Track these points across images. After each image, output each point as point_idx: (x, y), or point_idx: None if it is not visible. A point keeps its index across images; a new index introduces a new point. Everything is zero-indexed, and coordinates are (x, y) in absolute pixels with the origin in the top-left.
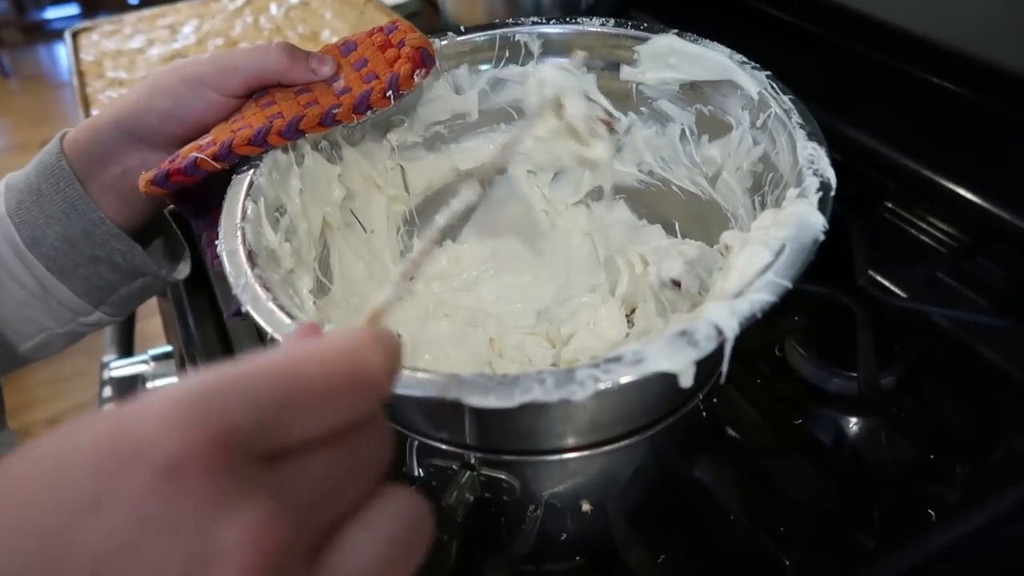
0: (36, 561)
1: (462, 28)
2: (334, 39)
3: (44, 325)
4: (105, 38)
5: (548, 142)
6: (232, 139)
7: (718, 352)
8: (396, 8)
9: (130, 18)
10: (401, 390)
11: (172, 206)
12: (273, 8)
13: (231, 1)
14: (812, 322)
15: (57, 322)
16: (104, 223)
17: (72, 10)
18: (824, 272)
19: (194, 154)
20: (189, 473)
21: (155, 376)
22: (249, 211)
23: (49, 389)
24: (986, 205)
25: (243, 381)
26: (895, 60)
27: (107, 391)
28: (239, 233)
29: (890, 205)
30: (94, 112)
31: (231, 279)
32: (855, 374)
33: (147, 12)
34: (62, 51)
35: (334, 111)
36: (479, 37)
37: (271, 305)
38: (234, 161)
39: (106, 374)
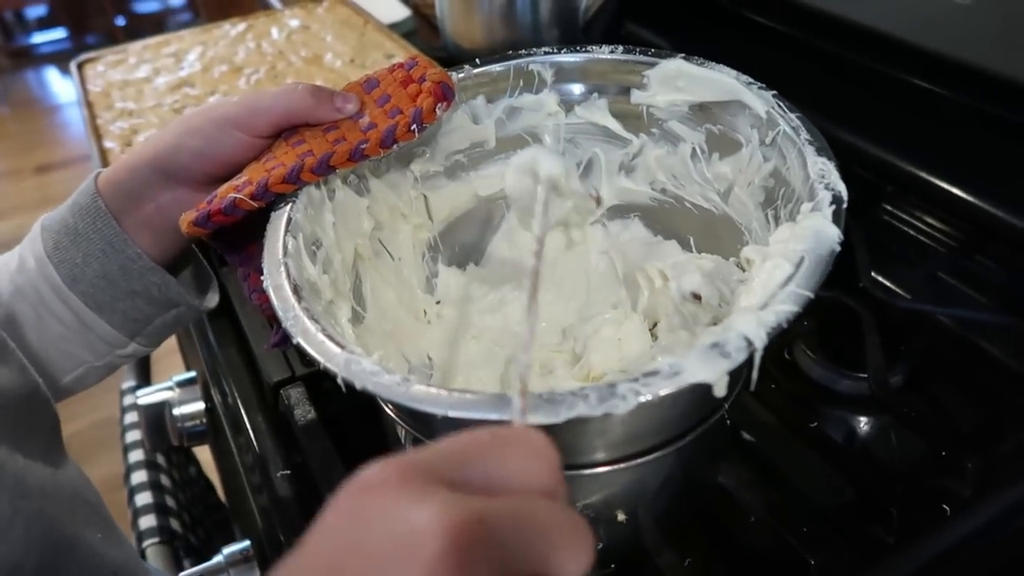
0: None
1: (477, 60)
2: (336, 63)
3: (83, 359)
4: (110, 68)
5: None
6: (267, 178)
7: (746, 370)
8: (393, 27)
9: (134, 47)
10: (448, 411)
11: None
12: (274, 32)
13: (232, 27)
14: (819, 325)
15: (95, 355)
16: (141, 258)
17: (59, 34)
18: (828, 275)
19: (232, 195)
20: (390, 484)
21: (181, 402)
22: (290, 246)
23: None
24: (981, 204)
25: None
26: (888, 66)
27: (129, 417)
28: (283, 268)
29: (888, 207)
30: (107, 144)
31: (280, 313)
32: (863, 374)
33: (151, 41)
34: (51, 75)
35: (362, 146)
36: (495, 68)
37: (321, 336)
38: (270, 199)
39: (127, 400)
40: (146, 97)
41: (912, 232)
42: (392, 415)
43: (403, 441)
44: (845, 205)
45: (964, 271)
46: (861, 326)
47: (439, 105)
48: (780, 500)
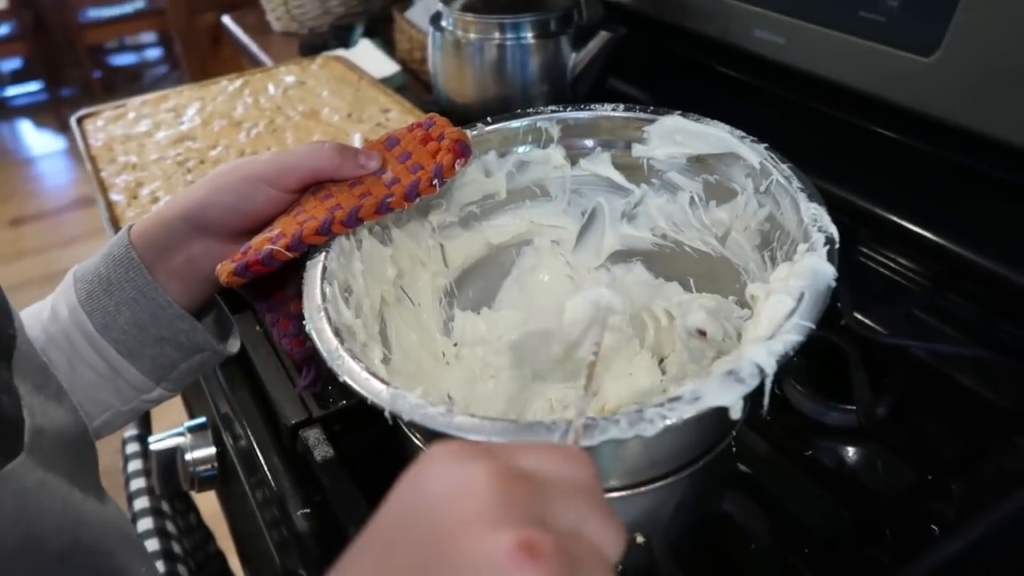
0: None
1: (489, 119)
2: (334, 117)
3: (110, 404)
4: (110, 123)
5: None
6: (301, 231)
7: (757, 396)
8: (384, 81)
9: (133, 103)
10: (483, 437)
11: None
12: (271, 88)
13: (229, 83)
14: (807, 362)
15: (122, 400)
16: (171, 306)
17: (34, 87)
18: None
19: (268, 246)
20: (445, 453)
21: (193, 447)
22: (327, 292)
23: None
24: (950, 245)
25: None
26: (860, 119)
27: (132, 465)
28: (323, 313)
29: (864, 250)
30: (113, 196)
31: (324, 354)
32: (850, 406)
33: (149, 96)
34: (25, 128)
35: (388, 200)
36: (508, 125)
37: (366, 374)
38: (304, 250)
39: (130, 448)
40: (148, 151)
41: (888, 273)
42: (420, 444)
43: None
44: (837, 245)
45: (937, 308)
46: (845, 362)
47: (458, 161)
48: (781, 526)
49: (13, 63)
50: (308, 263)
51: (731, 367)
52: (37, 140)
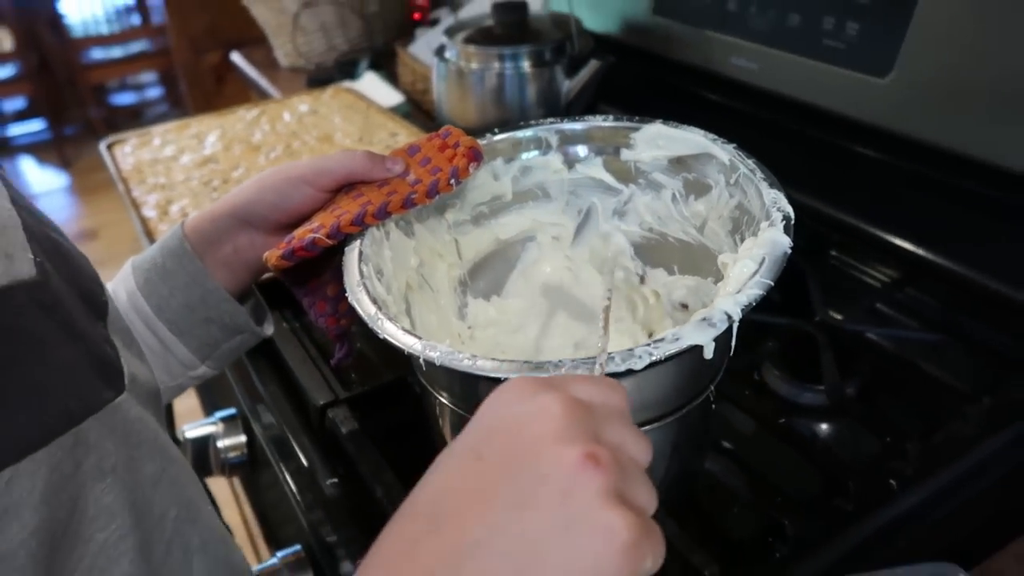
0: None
1: (496, 130)
2: (346, 141)
3: (160, 379)
4: (138, 149)
5: None
6: (339, 222)
7: (727, 341)
8: (392, 110)
9: (157, 130)
10: (502, 375)
11: None
12: (286, 116)
13: (247, 112)
14: (783, 349)
15: (171, 376)
16: (219, 290)
17: (37, 125)
18: (790, 309)
19: (311, 235)
20: (518, 384)
21: (224, 435)
22: (364, 271)
23: None
24: (912, 248)
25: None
26: (826, 135)
27: None
28: (362, 287)
29: (835, 253)
30: (145, 212)
31: (366, 318)
32: (822, 387)
33: (171, 125)
34: (27, 165)
35: (412, 196)
36: (514, 135)
37: (401, 332)
38: (341, 239)
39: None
40: (175, 172)
41: (855, 272)
42: (446, 401)
43: (446, 427)
44: (793, 221)
45: (897, 302)
46: (817, 349)
47: (472, 164)
48: (759, 488)
49: (17, 102)
50: (346, 248)
51: (704, 315)
52: (39, 177)
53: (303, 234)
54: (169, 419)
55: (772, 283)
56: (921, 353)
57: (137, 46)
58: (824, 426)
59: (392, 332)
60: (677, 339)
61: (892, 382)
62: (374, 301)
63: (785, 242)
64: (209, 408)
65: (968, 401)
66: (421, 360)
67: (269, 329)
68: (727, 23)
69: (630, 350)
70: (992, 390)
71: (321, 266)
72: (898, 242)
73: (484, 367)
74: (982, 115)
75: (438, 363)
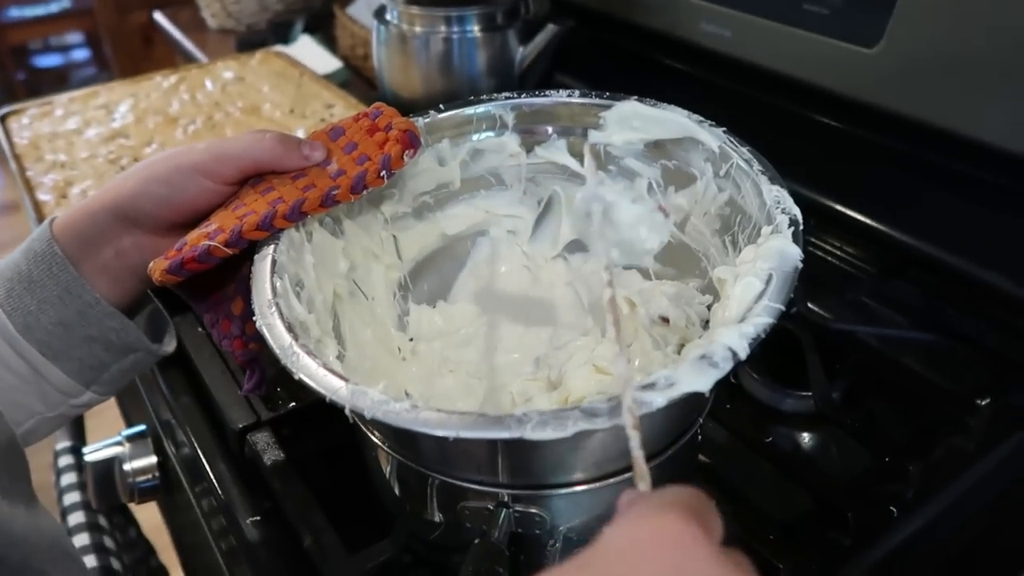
0: None
1: (441, 106)
2: (275, 113)
3: (34, 410)
4: (36, 120)
5: None
6: (240, 226)
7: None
8: (328, 78)
9: (60, 99)
10: (451, 432)
11: None
12: (208, 84)
13: (164, 79)
14: (761, 349)
15: (47, 406)
16: (99, 303)
17: None
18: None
19: (206, 242)
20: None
21: (132, 457)
22: (278, 287)
23: None
24: (896, 234)
25: None
26: (804, 109)
27: (66, 478)
28: (274, 309)
29: (812, 239)
30: (41, 196)
31: (278, 351)
32: (805, 393)
33: (77, 93)
34: None
35: (333, 192)
36: (462, 112)
37: (323, 371)
38: (244, 246)
39: (63, 461)
40: (78, 149)
41: (836, 262)
42: (379, 443)
43: (387, 469)
44: (802, 227)
45: (884, 295)
46: (798, 348)
47: (406, 152)
48: (744, 514)
49: None
50: (256, 256)
51: (704, 352)
52: None
53: (196, 240)
54: (80, 431)
55: (783, 308)
56: (911, 352)
57: (57, 4)
58: (809, 437)
59: (311, 372)
60: (671, 384)
61: (880, 385)
62: (289, 328)
63: (795, 254)
64: (127, 416)
65: (965, 408)
66: (347, 411)
67: (170, 345)
68: None
69: (613, 399)
70: (991, 394)
71: (225, 275)
72: (884, 228)
73: (428, 421)
74: (981, 91)
75: (369, 416)
